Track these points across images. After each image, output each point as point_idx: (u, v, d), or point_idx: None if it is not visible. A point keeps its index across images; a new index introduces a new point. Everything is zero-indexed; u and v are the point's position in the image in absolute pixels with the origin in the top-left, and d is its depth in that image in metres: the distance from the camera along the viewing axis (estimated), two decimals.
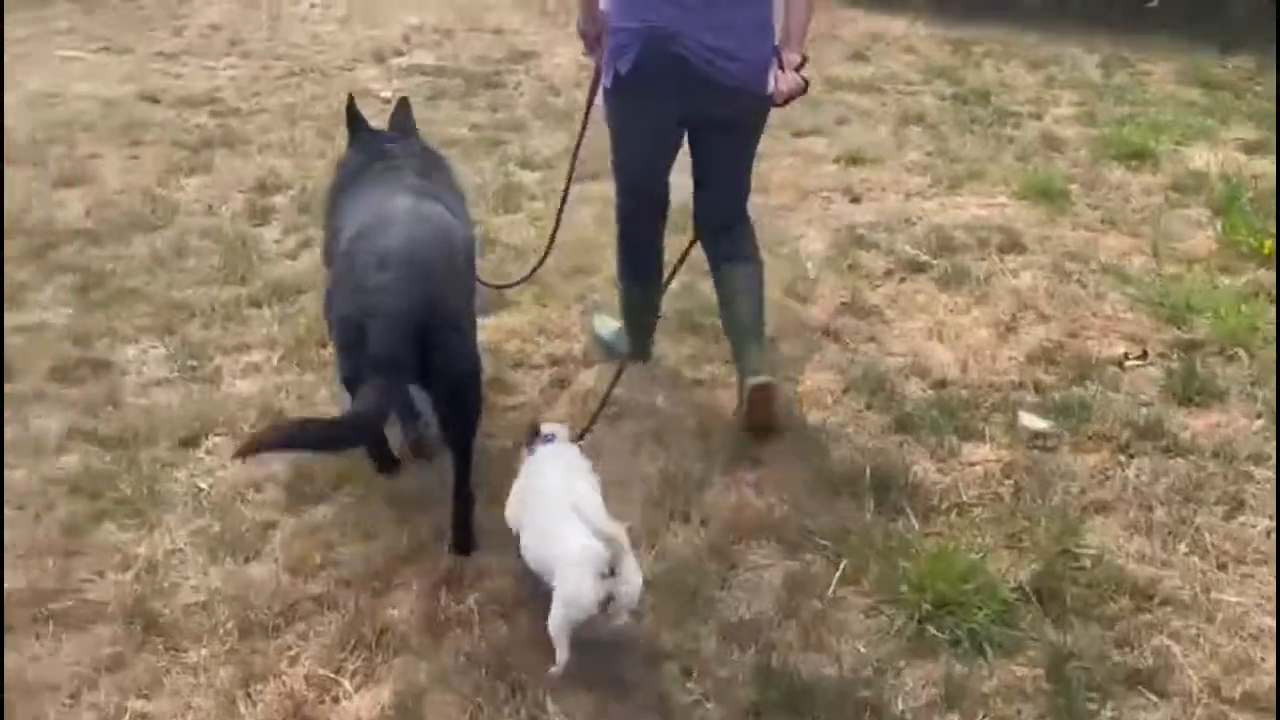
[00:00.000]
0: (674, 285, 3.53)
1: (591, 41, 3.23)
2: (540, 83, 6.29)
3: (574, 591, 2.38)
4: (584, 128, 3.49)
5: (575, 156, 3.55)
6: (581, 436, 3.02)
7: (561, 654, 2.41)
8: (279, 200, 4.69)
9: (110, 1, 7.82)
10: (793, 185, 4.83)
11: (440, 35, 7.17)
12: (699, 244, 3.49)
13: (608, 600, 2.36)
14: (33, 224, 4.43)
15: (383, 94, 5.76)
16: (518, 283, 3.84)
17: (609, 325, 3.74)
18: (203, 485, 3.00)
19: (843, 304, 3.91)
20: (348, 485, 2.99)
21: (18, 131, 5.30)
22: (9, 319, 3.72)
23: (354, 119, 3.36)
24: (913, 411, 3.30)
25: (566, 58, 6.51)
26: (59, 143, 5.24)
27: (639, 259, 3.53)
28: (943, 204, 4.71)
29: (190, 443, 3.17)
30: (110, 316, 3.79)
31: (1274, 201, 4.59)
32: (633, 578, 2.39)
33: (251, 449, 2.59)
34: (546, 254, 3.69)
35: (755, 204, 3.48)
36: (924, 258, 4.20)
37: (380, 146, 3.26)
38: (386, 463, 3.10)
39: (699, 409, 3.37)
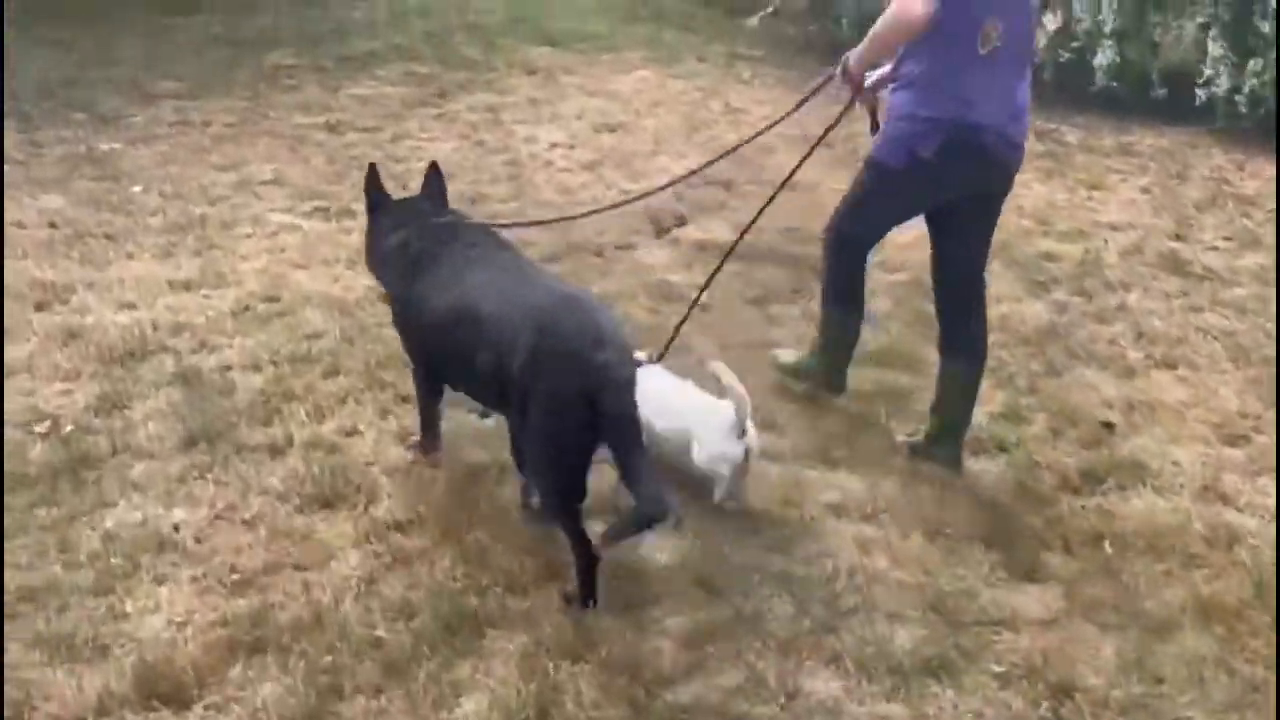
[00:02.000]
0: None
1: (858, 86, 3.54)
2: (888, 273, 4.70)
3: (721, 448, 3.24)
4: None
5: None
6: (660, 359, 3.58)
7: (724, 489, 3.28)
8: None
9: (314, 136, 6.57)
10: None
11: (722, 191, 5.72)
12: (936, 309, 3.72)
13: (746, 454, 3.23)
14: None
15: (690, 293, 4.11)
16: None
17: (789, 354, 4.00)
18: None
19: None
20: None
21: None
22: None
23: (374, 187, 3.53)
24: None
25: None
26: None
27: (851, 287, 3.76)
28: None
29: None
30: None
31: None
32: (755, 439, 3.28)
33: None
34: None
35: None
36: None
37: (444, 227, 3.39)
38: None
39: None
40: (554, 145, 6.45)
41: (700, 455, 3.26)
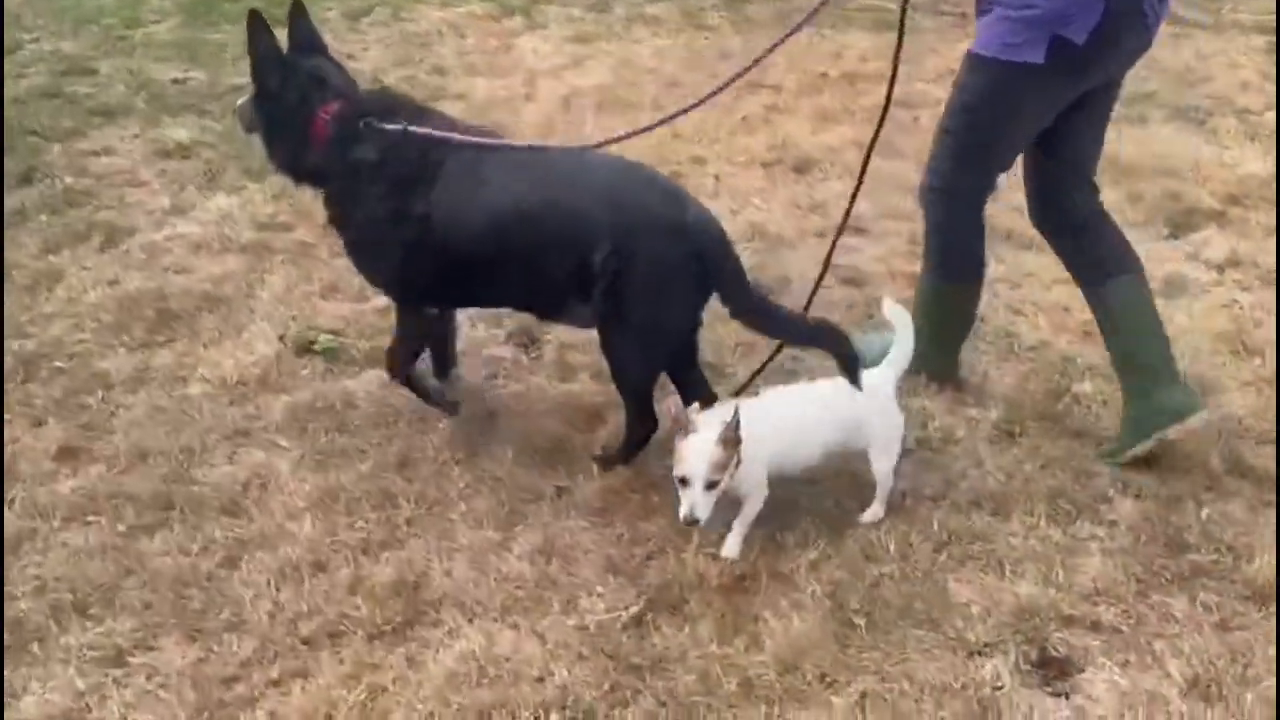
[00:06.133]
0: None
1: None
2: None
3: (900, 419, 2.98)
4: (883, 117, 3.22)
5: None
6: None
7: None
8: None
9: None
10: None
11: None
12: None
13: None
14: None
15: None
16: None
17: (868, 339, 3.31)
18: None
19: None
20: None
21: None
22: None
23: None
24: None
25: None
26: None
27: (972, 251, 3.32)
28: None
29: None
30: None
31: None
32: None
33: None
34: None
35: None
36: None
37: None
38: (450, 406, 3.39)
39: None
40: None
41: (889, 444, 2.93)
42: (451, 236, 3.00)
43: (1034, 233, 3.46)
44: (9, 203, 4.63)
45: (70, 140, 5.29)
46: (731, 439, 2.67)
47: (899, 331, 2.98)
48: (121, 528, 2.95)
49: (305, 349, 3.72)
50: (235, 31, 6.62)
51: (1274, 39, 6.83)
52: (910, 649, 2.56)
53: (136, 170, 5.01)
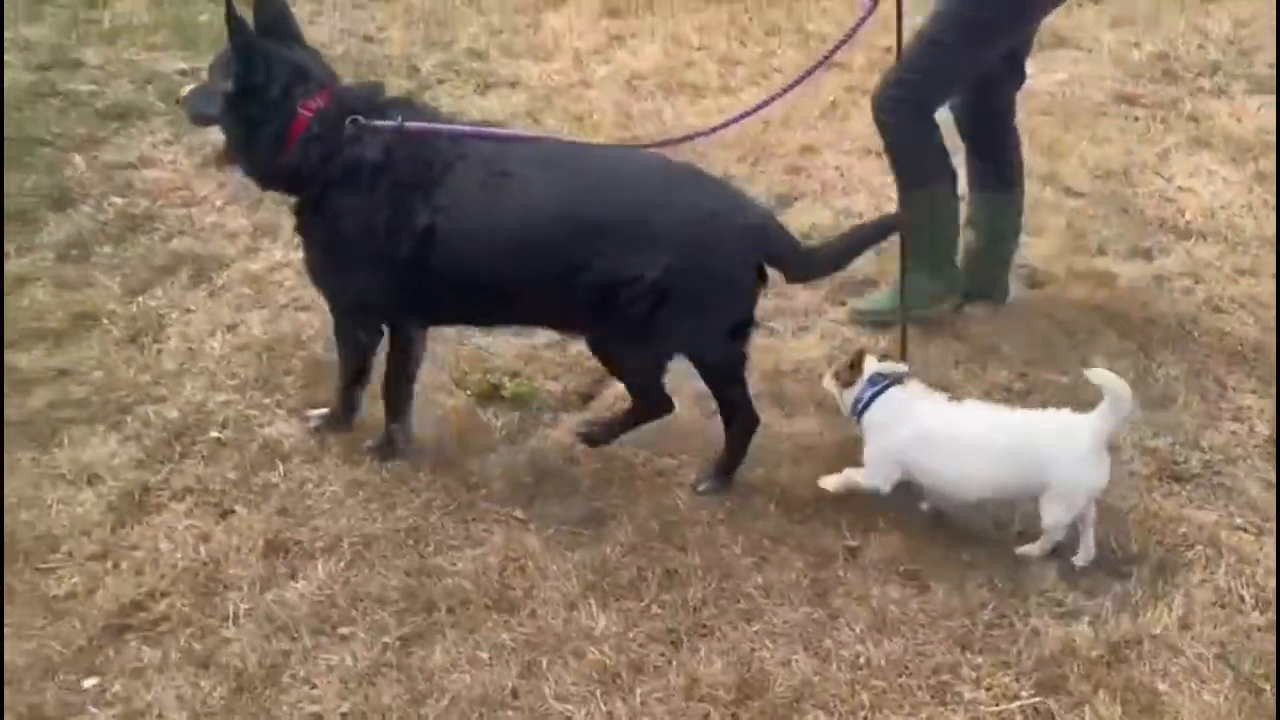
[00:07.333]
0: None
1: None
2: None
3: (1094, 476, 2.68)
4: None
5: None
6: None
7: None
8: None
9: None
10: None
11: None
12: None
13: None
14: None
15: None
16: None
17: (875, 298, 3.72)
18: None
19: None
20: None
21: None
22: None
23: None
24: None
25: None
26: None
27: (938, 156, 3.46)
28: None
29: None
30: None
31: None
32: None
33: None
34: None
35: None
36: None
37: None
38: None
39: None
40: None
41: (1067, 497, 2.67)
42: (460, 251, 2.69)
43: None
44: (54, 234, 4.00)
45: (92, 149, 4.61)
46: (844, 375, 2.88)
47: (1108, 394, 2.63)
48: (387, 639, 2.53)
49: (490, 396, 3.30)
50: (214, 10, 5.97)
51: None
52: None
53: (190, 184, 4.39)
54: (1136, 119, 5.12)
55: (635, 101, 5.26)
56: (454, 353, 3.45)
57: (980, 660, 2.50)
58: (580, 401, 3.32)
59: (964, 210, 3.71)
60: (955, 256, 3.68)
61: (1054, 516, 2.70)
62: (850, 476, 2.87)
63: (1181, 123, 5.08)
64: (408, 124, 2.73)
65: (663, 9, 6.42)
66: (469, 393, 3.30)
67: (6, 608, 2.56)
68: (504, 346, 3.50)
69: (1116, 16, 6.22)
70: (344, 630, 2.55)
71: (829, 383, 2.96)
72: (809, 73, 3.17)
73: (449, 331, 3.52)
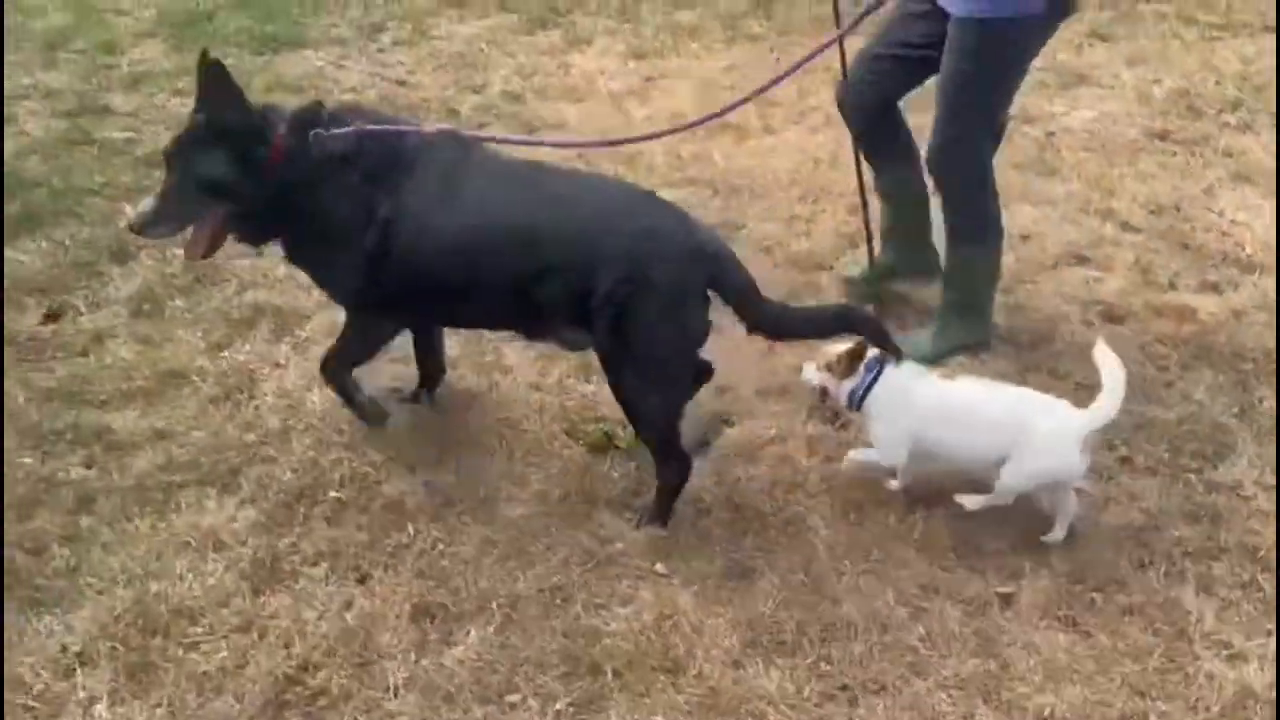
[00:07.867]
0: None
1: None
2: None
3: (1065, 461, 2.80)
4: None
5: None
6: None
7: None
8: None
9: None
10: None
11: None
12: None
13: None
14: None
15: None
16: None
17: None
18: None
19: None
20: None
21: None
22: None
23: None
24: None
25: None
26: None
27: (995, 208, 3.54)
28: None
29: None
30: None
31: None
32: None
33: None
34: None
35: None
36: None
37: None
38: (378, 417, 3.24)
39: None
40: None
41: (1026, 468, 2.83)
42: (416, 248, 2.82)
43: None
44: (121, 288, 3.87)
45: (140, 199, 4.47)
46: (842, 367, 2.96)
47: (1107, 380, 2.82)
48: (559, 706, 2.45)
49: (604, 447, 3.23)
50: (235, 53, 5.89)
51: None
52: None
53: None
54: (1174, 154, 5.22)
55: (681, 144, 5.25)
56: (560, 402, 3.39)
57: (1166, 707, 2.48)
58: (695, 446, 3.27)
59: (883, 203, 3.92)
60: (991, 309, 3.72)
61: (1012, 482, 2.85)
62: (867, 456, 3.02)
63: (1218, 158, 5.18)
64: (366, 127, 2.86)
65: (685, 51, 6.45)
66: (582, 443, 3.24)
67: (156, 687, 2.44)
68: (608, 393, 3.44)
69: (1130, 55, 6.36)
70: (511, 698, 2.47)
71: (820, 376, 3.03)
72: (774, 82, 3.53)
73: (550, 380, 3.47)
